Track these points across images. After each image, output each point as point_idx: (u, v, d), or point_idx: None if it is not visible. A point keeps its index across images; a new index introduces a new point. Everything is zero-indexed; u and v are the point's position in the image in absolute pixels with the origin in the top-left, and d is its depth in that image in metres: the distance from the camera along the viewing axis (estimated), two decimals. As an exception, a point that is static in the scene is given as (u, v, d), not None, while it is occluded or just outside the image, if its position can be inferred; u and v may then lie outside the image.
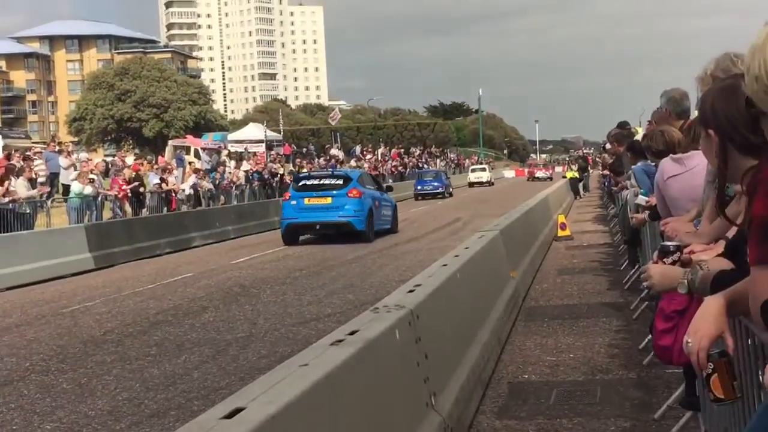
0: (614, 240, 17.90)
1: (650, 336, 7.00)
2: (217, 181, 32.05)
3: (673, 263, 3.12)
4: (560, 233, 19.00)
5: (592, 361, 7.62)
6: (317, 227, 21.85)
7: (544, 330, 9.20)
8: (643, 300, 9.64)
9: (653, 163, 6.87)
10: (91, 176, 23.81)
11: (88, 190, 23.09)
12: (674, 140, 6.37)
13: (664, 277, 3.02)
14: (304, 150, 66.05)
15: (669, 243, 3.27)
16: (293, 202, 21.97)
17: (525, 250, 13.25)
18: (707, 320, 2.34)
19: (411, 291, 5.62)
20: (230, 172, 34.44)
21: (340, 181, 22.40)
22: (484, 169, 74.14)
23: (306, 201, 21.85)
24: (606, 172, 19.46)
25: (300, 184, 22.87)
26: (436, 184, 51.34)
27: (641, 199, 8.19)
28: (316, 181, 22.78)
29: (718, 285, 2.57)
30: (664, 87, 7.23)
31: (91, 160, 31.04)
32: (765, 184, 2.20)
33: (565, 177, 45.75)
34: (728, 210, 2.94)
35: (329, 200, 21.75)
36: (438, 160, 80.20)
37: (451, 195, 50.69)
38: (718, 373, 2.27)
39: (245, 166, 36.72)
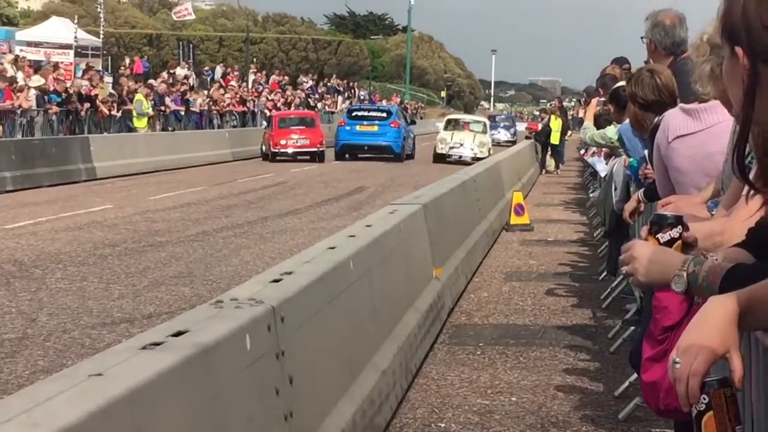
0: (594, 236, 18.18)
1: (634, 376, 7.14)
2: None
3: (671, 242, 3.03)
4: (515, 220, 19.21)
5: (544, 409, 7.74)
6: (365, 148, 43.82)
7: (477, 359, 9.30)
8: (628, 323, 9.82)
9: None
10: None
11: None
12: (670, 86, 6.48)
13: (655, 263, 2.93)
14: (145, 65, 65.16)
15: (667, 213, 3.21)
16: (347, 128, 44.56)
17: (459, 238, 13.37)
18: (708, 331, 2.33)
19: (276, 281, 5.58)
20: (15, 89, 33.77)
21: (384, 114, 46.32)
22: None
23: (358, 127, 44.31)
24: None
25: (353, 114, 46.52)
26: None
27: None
28: (365, 113, 46.89)
29: (732, 282, 2.57)
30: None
31: None
32: None
33: (530, 137, 46.58)
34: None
35: (376, 128, 44.04)
36: (340, 98, 79.77)
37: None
38: (714, 410, 2.29)
39: (38, 80, 36.04)
